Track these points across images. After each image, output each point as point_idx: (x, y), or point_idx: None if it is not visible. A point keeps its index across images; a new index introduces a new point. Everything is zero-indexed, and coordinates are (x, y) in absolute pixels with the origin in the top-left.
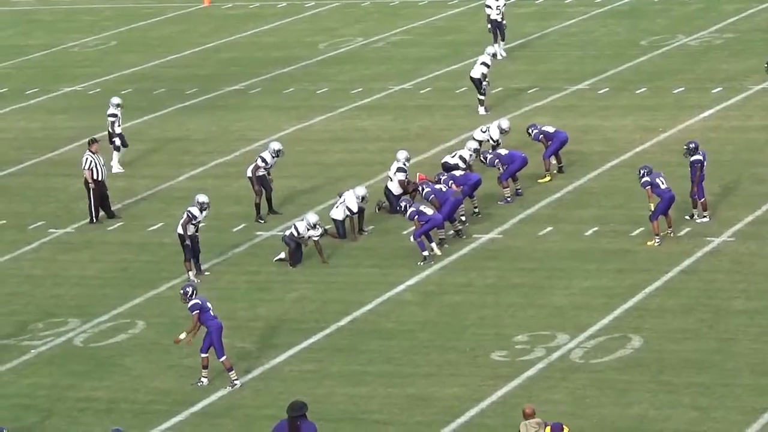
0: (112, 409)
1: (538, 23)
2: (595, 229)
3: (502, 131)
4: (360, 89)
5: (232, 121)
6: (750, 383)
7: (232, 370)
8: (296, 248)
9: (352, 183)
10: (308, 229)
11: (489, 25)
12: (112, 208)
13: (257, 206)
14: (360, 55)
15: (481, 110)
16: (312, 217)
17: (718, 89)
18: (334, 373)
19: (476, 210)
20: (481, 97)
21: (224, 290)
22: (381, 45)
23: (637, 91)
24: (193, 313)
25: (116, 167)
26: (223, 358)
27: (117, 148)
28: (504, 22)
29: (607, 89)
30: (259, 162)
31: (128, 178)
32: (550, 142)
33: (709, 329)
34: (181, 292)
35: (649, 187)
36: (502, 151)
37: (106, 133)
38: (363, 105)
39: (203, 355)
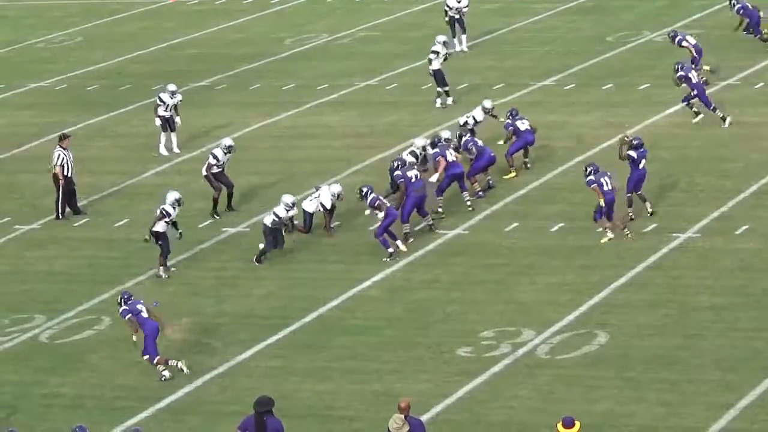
0: (77, 405)
1: (503, 19)
2: (561, 225)
3: (486, 110)
4: (326, 85)
5: (198, 117)
6: (716, 379)
7: (158, 364)
8: (277, 233)
9: (317, 180)
10: (287, 210)
11: (447, 22)
12: (78, 205)
13: (215, 200)
14: (326, 51)
15: (438, 102)
16: (288, 197)
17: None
18: (300, 369)
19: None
20: (440, 89)
21: (190, 286)
22: (347, 41)
23: (603, 87)
24: (126, 318)
25: (163, 150)
26: (156, 358)
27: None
28: (464, 19)
29: (573, 85)
30: (211, 159)
31: (94, 174)
32: (515, 138)
33: (674, 325)
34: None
35: (595, 185)
36: (478, 142)
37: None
38: (329, 101)
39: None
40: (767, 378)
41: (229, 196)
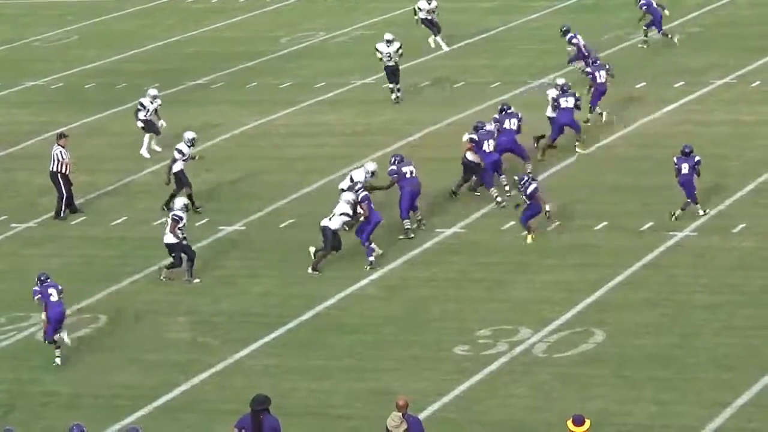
0: (74, 404)
1: (501, 17)
2: (558, 223)
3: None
4: (323, 83)
5: (194, 116)
6: (712, 378)
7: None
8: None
9: (314, 177)
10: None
11: (421, 24)
12: (75, 203)
13: (190, 197)
14: (322, 50)
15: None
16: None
17: (681, 83)
18: (297, 368)
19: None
20: (390, 86)
21: (187, 284)
22: (343, 39)
23: None
24: (35, 298)
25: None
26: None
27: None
28: (436, 20)
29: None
30: (177, 155)
31: (91, 173)
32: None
33: (671, 324)
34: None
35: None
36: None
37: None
38: (325, 99)
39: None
40: (763, 376)
41: (173, 195)
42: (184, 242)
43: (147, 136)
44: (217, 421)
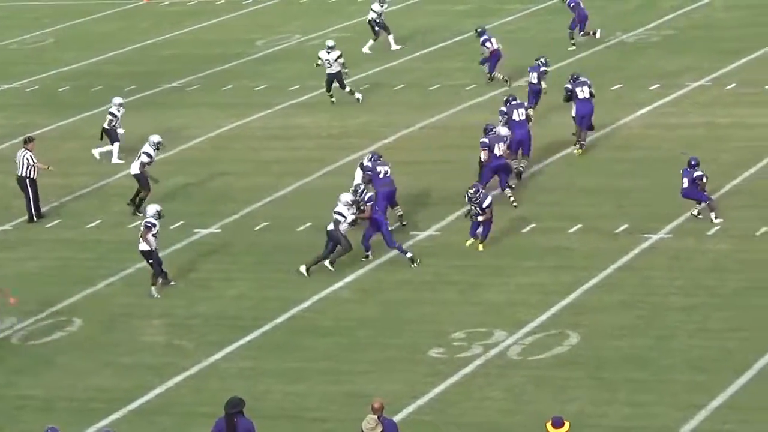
0: (49, 407)
1: (475, 20)
2: (533, 225)
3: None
4: (298, 86)
5: (170, 119)
6: (687, 379)
7: None
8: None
9: (289, 180)
10: (349, 208)
11: (371, 26)
12: (47, 207)
13: (142, 200)
14: (298, 53)
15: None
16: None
17: (656, 86)
18: (272, 371)
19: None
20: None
21: (162, 287)
22: (319, 42)
23: None
24: None
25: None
26: None
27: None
28: (384, 22)
29: (544, 86)
30: (144, 158)
31: (65, 176)
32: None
33: (646, 326)
34: None
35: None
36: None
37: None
38: (301, 102)
39: None
40: (738, 378)
41: (142, 199)
42: (157, 252)
43: (117, 144)
44: (192, 424)
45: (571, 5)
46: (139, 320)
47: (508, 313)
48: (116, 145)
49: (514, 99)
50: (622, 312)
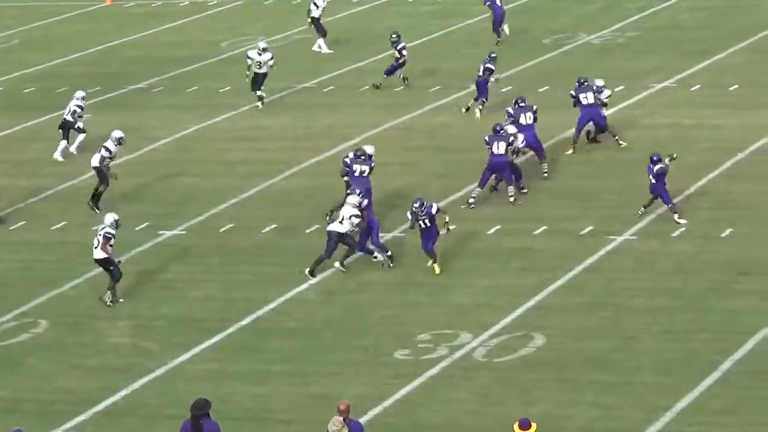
0: (14, 409)
1: (440, 22)
2: (498, 227)
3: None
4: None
5: (135, 120)
6: (652, 381)
7: None
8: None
9: (255, 182)
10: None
11: (311, 24)
12: (12, 208)
13: (100, 195)
14: None
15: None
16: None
17: (621, 87)
18: (238, 372)
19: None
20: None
21: (127, 289)
22: (282, 44)
23: (540, 90)
24: None
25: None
26: None
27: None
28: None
29: (510, 88)
30: (104, 152)
31: (30, 177)
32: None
33: (611, 327)
34: None
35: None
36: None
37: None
38: (266, 103)
39: None
40: (704, 380)
41: (101, 193)
42: (115, 260)
43: (82, 135)
44: (157, 425)
45: (487, 3)
46: (105, 322)
47: (473, 315)
48: (81, 136)
49: (523, 101)
50: (587, 313)
